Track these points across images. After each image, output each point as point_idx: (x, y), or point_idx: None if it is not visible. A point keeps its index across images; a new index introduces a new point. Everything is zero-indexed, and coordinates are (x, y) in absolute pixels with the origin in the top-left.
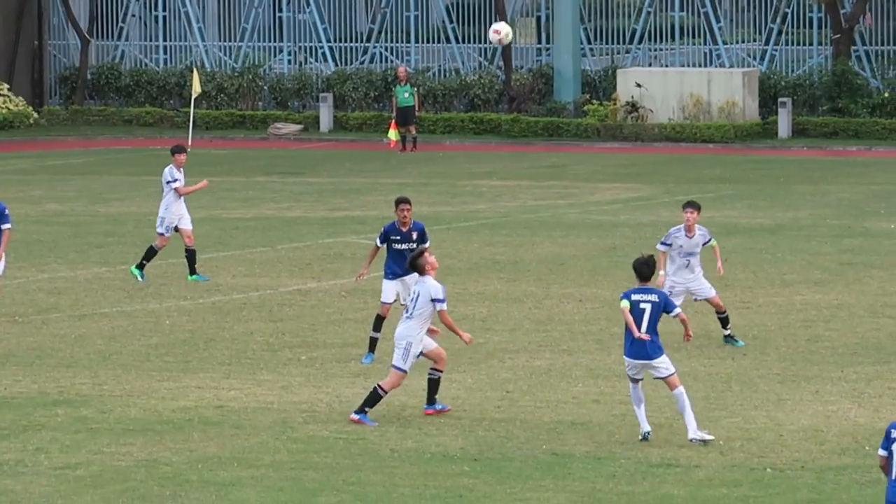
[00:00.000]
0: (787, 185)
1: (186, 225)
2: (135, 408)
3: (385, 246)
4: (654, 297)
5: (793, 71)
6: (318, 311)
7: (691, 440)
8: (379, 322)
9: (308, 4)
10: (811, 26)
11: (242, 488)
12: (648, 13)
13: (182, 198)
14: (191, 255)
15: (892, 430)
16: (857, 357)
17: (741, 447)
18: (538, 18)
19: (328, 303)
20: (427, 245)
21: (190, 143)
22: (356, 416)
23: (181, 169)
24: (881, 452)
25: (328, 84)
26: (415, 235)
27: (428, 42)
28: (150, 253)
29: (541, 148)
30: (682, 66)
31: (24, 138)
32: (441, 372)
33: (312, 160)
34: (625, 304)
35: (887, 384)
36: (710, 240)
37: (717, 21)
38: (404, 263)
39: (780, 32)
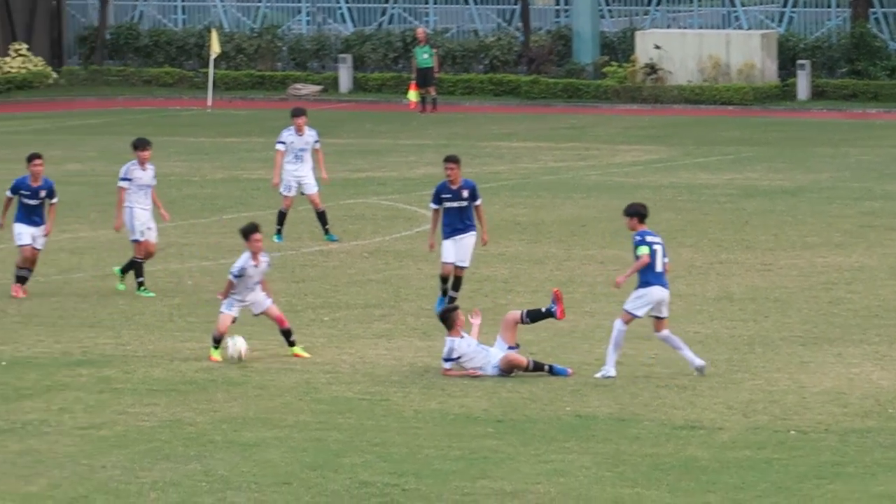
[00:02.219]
0: (807, 148)
1: (311, 190)
2: (158, 368)
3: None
4: (658, 238)
5: (811, 33)
6: (340, 271)
7: (699, 367)
8: (444, 281)
9: None
10: None
11: (266, 449)
12: None
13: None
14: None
15: None
16: (879, 319)
17: (764, 409)
18: None
19: (350, 263)
20: (479, 202)
21: (210, 103)
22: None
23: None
24: None
25: (347, 45)
26: (465, 193)
27: (446, 3)
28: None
29: (560, 109)
30: (701, 28)
31: (43, 98)
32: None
33: (332, 121)
34: (645, 250)
35: None
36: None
37: None
38: (459, 221)
39: None
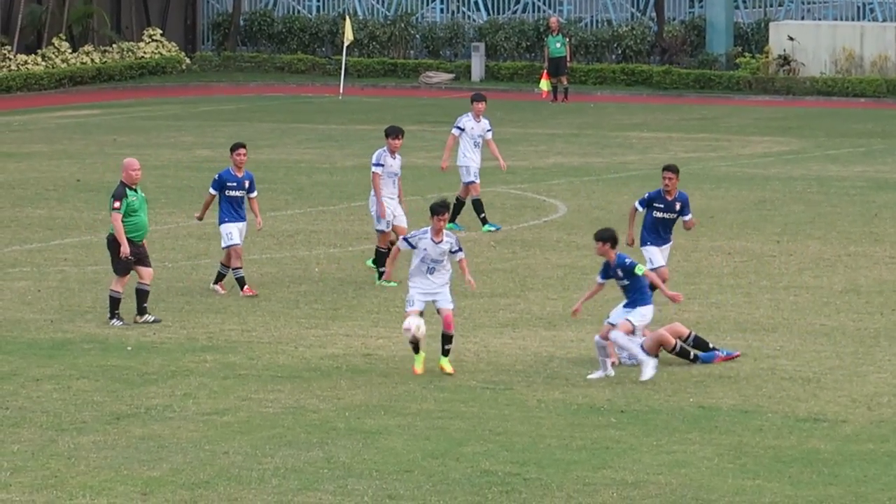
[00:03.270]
0: None
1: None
2: (283, 355)
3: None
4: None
5: None
6: (467, 260)
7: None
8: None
9: None
10: None
11: (389, 436)
12: None
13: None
14: (477, 205)
15: None
16: None
17: (889, 403)
18: None
19: (477, 252)
20: (689, 217)
21: (342, 90)
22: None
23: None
24: None
25: (480, 33)
26: (678, 206)
27: None
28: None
29: (692, 100)
30: (835, 19)
31: (176, 84)
32: None
33: (463, 110)
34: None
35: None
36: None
37: None
38: (666, 232)
39: None
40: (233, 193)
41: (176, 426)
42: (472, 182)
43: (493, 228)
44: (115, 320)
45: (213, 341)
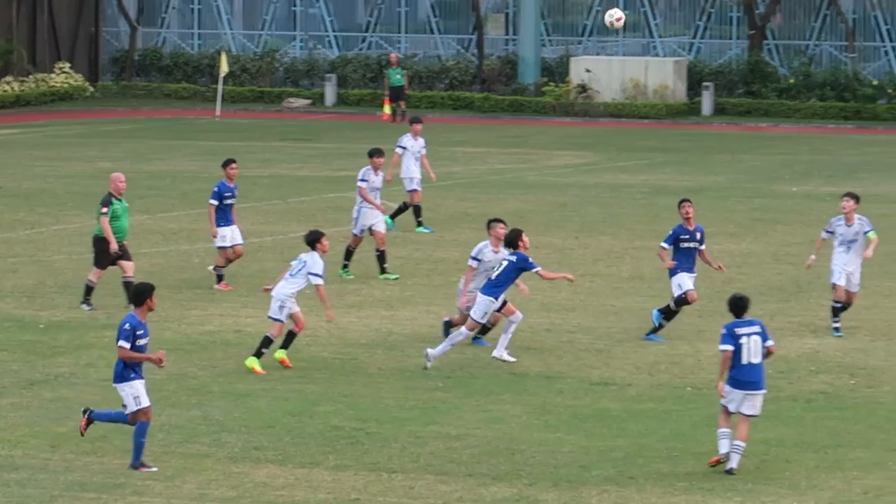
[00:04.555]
0: (709, 155)
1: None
2: (168, 331)
3: (673, 245)
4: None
5: (715, 60)
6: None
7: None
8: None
9: (317, 0)
10: (731, 23)
11: (256, 398)
12: (597, 11)
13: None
14: (416, 210)
15: (734, 329)
16: (763, 297)
17: (666, 370)
18: (507, 14)
19: (332, 247)
20: (704, 247)
21: (219, 113)
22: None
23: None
24: (727, 347)
25: (333, 66)
26: (699, 235)
27: (415, 33)
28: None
29: (507, 121)
30: (625, 55)
31: (82, 108)
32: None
33: (319, 129)
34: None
35: (787, 319)
36: (869, 230)
37: (654, 18)
38: (691, 262)
39: (705, 28)
40: (229, 202)
41: (80, 390)
42: (416, 190)
43: (426, 231)
44: (85, 305)
45: (112, 320)
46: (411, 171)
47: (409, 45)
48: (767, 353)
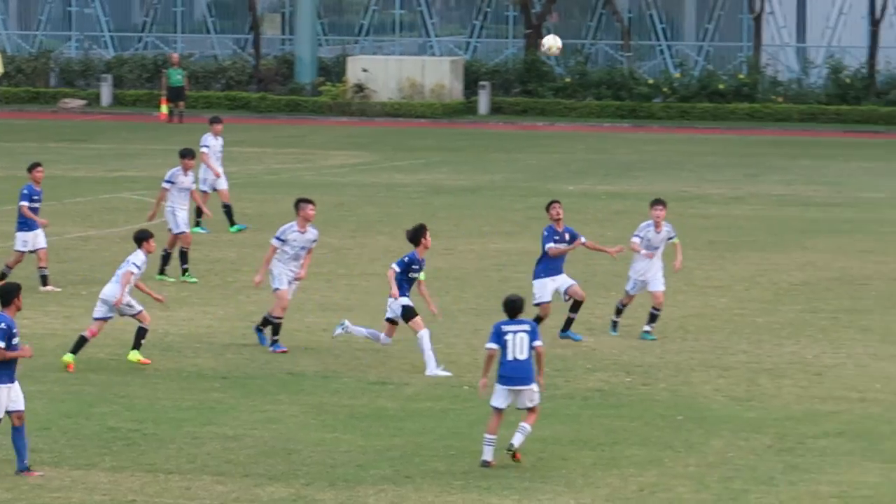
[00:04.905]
0: (485, 154)
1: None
2: None
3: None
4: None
5: (491, 59)
6: (97, 254)
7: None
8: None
9: (93, 0)
10: (507, 23)
11: (32, 400)
12: (374, 10)
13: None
14: (227, 209)
15: (501, 327)
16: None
17: (443, 368)
18: (283, 14)
19: (105, 247)
20: (584, 240)
21: None
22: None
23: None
24: (492, 346)
25: (108, 66)
26: (567, 237)
27: (192, 32)
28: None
29: (283, 121)
30: (401, 55)
31: None
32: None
33: (94, 130)
34: None
35: (563, 317)
36: (674, 236)
37: (431, 18)
38: (559, 264)
39: (481, 27)
40: (35, 205)
41: None
42: (221, 189)
43: (241, 228)
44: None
45: None
46: (210, 171)
47: (186, 45)
48: (536, 354)
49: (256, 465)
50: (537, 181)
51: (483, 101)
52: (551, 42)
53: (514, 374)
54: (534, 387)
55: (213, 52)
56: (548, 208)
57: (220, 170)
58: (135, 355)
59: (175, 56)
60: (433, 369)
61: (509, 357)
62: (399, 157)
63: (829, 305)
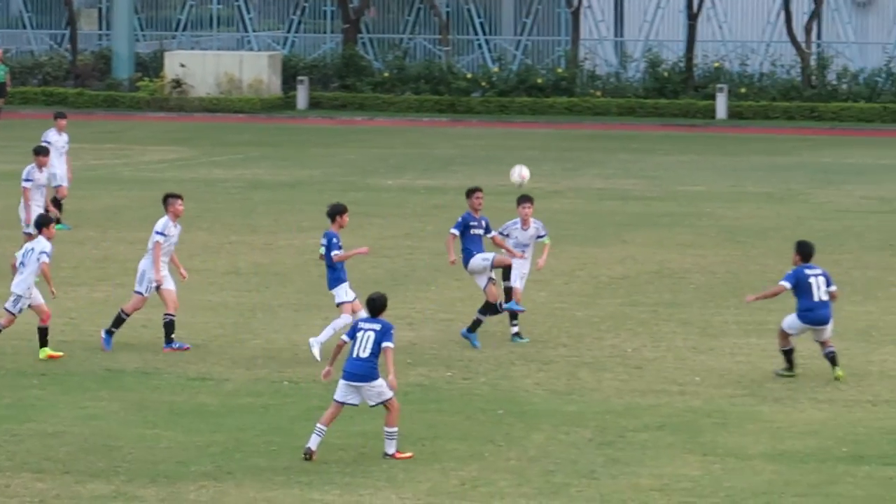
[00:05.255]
0: (304, 149)
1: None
2: None
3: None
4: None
5: (310, 54)
6: None
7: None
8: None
9: None
10: (325, 17)
11: None
12: (191, 5)
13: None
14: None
15: (359, 323)
16: (359, 290)
17: (264, 364)
18: (100, 9)
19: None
20: (494, 234)
21: None
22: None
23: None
24: (344, 339)
25: None
26: (484, 223)
27: (7, 28)
28: None
29: (101, 117)
30: (219, 50)
31: None
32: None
33: None
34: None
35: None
36: (544, 235)
37: (248, 13)
38: (481, 250)
39: (299, 22)
40: None
41: None
42: (60, 185)
43: (65, 228)
44: None
45: None
46: (54, 168)
47: (2, 41)
48: (384, 354)
49: (77, 462)
50: (356, 176)
51: (301, 96)
52: (518, 175)
53: (352, 369)
54: (374, 384)
55: (30, 47)
56: (469, 195)
57: (64, 167)
58: (44, 352)
59: (0, 51)
60: (315, 342)
61: (354, 354)
62: (218, 152)
63: (648, 299)
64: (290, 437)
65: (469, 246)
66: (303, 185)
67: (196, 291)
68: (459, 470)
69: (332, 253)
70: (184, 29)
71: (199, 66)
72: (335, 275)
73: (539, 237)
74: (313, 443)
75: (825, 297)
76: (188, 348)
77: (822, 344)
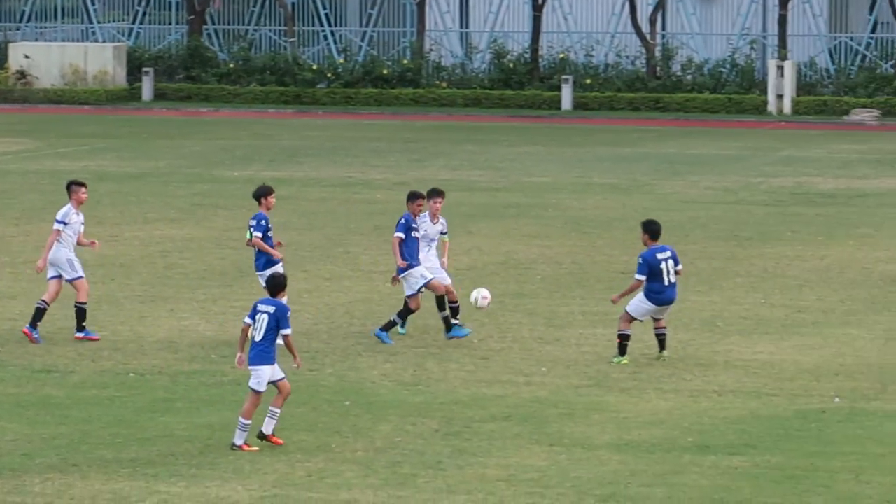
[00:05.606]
0: (150, 140)
1: None
2: None
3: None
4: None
5: (155, 45)
6: None
7: None
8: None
9: None
10: (170, 8)
11: None
12: None
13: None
14: None
15: (257, 305)
16: (206, 281)
17: (109, 356)
18: None
19: None
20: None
21: None
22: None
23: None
24: (247, 321)
25: None
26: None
27: None
28: None
29: None
30: (64, 41)
31: None
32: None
33: None
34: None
35: (230, 303)
36: (446, 231)
37: (93, 4)
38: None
39: (144, 13)
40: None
41: None
42: None
43: None
44: None
45: None
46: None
47: None
48: (285, 339)
49: None
50: (202, 167)
51: (147, 87)
52: (480, 299)
53: (251, 353)
54: (266, 367)
55: None
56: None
57: None
58: None
59: None
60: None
61: (257, 338)
62: (63, 143)
63: (495, 289)
64: (135, 429)
65: (411, 247)
66: (148, 177)
67: (41, 283)
68: (306, 461)
69: (253, 234)
70: (28, 20)
71: (43, 58)
72: (263, 258)
73: (443, 233)
74: (238, 438)
75: (673, 280)
76: (98, 339)
77: (657, 323)
